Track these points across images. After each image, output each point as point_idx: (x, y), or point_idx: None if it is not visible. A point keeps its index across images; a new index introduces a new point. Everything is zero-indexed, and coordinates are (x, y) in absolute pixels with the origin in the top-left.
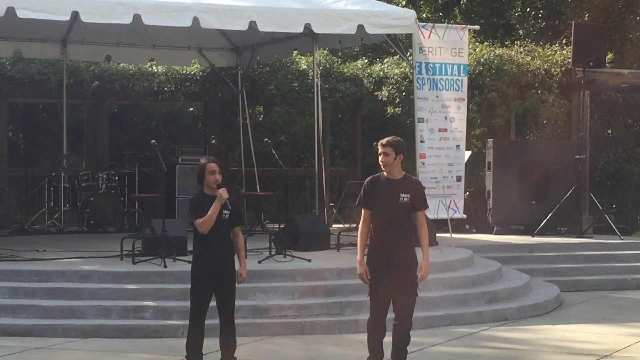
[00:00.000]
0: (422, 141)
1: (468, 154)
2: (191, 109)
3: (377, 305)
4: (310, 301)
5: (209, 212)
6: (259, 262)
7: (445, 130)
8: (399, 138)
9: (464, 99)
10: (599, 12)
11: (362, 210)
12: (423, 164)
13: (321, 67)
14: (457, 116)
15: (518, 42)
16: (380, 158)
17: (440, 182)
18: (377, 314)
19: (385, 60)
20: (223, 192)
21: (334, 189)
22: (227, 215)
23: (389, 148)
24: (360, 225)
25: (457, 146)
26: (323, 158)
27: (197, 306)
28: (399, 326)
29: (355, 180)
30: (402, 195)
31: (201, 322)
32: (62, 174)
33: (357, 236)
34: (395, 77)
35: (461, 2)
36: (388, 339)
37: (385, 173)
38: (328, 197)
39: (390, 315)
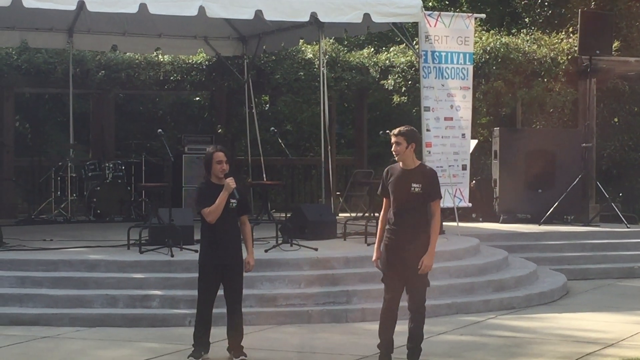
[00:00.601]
0: (427, 130)
1: (474, 142)
2: (197, 98)
3: (390, 293)
4: (317, 290)
5: (216, 202)
6: (266, 251)
7: (451, 119)
8: (412, 127)
9: (469, 88)
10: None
11: (383, 199)
12: (429, 152)
13: (327, 56)
14: (463, 105)
15: (524, 30)
16: (392, 147)
17: (446, 171)
18: (390, 302)
19: (392, 49)
20: (230, 182)
21: (340, 178)
22: (234, 204)
23: (401, 137)
24: (381, 213)
25: (463, 135)
26: (329, 147)
27: (205, 295)
28: (412, 313)
29: (362, 169)
30: (414, 185)
31: (209, 311)
32: (69, 164)
33: (363, 225)
34: (402, 65)
35: None
36: (399, 328)
37: (400, 163)
38: (334, 186)
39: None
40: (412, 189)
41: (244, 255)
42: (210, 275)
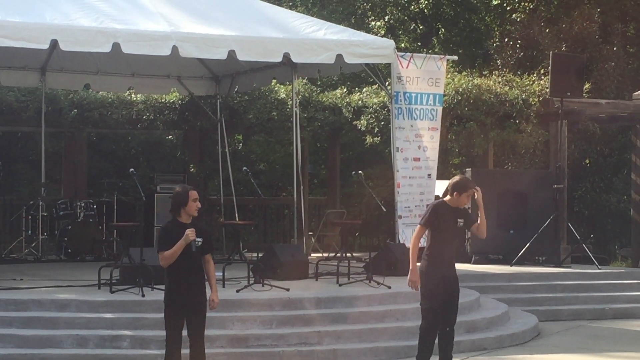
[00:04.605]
0: (397, 170)
1: (446, 183)
2: (170, 137)
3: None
4: (289, 330)
5: (173, 249)
6: (237, 291)
7: (419, 159)
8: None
9: (437, 129)
10: (576, 42)
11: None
12: (398, 193)
13: (300, 96)
14: (430, 145)
15: (496, 72)
16: (467, 201)
17: (412, 211)
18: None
19: (364, 89)
20: (191, 234)
21: (312, 218)
22: (199, 243)
23: None
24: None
25: (429, 175)
26: (302, 187)
27: (172, 333)
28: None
29: (334, 209)
30: (459, 220)
31: (178, 349)
32: (40, 202)
33: (335, 265)
34: (374, 106)
35: (439, 32)
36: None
37: (451, 203)
38: (307, 226)
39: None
40: (458, 223)
41: (208, 293)
42: (176, 313)
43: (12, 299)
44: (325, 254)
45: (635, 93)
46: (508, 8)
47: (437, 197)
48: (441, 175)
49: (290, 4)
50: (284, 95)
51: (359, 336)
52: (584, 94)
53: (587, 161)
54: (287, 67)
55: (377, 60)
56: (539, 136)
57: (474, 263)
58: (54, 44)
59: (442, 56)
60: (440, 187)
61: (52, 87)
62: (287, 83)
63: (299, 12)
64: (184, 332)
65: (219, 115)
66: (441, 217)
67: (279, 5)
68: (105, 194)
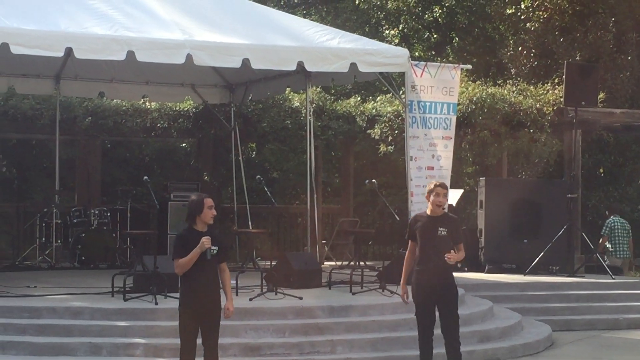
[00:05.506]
0: (411, 179)
1: (460, 192)
2: (184, 145)
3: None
4: (302, 339)
5: (188, 256)
6: (251, 299)
7: (432, 168)
8: None
9: (451, 138)
10: (590, 51)
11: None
12: (412, 202)
13: (314, 105)
14: (444, 154)
15: (510, 81)
16: (438, 199)
17: None
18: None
19: (378, 98)
20: (206, 242)
21: (326, 227)
22: (214, 252)
23: (446, 190)
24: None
25: None
26: (315, 195)
27: (187, 341)
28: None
29: (347, 217)
30: (440, 229)
31: (192, 355)
32: (54, 210)
33: (348, 274)
34: (388, 115)
35: (453, 41)
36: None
37: (428, 211)
38: (320, 235)
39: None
40: (439, 232)
41: (223, 301)
42: (190, 322)
43: (26, 307)
44: (339, 263)
45: None
46: (522, 17)
47: (450, 206)
48: (455, 185)
49: (305, 12)
50: (297, 104)
51: (372, 345)
52: (599, 104)
53: (601, 170)
54: (301, 76)
55: (391, 69)
56: (553, 145)
57: (487, 272)
58: (69, 51)
59: (456, 65)
60: (454, 196)
61: (66, 94)
62: (301, 91)
63: (312, 20)
64: (198, 340)
65: (232, 124)
66: (418, 227)
67: (292, 14)
68: (119, 202)
